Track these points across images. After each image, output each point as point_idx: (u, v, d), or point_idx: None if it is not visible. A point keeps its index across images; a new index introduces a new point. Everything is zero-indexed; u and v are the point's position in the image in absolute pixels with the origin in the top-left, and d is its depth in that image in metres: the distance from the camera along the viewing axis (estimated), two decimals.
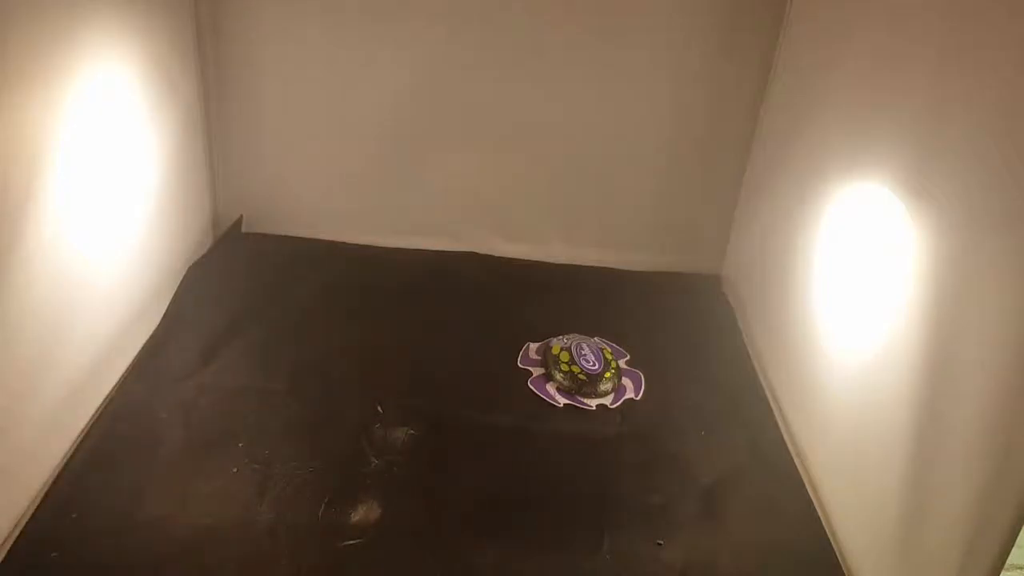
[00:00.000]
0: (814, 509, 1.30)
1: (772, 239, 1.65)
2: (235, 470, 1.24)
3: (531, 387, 1.51)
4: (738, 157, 1.82)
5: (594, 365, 1.52)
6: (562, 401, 1.48)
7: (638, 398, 1.51)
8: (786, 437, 1.44)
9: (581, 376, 1.50)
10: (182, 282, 1.65)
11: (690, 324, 1.75)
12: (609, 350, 1.58)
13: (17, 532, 1.11)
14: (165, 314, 1.56)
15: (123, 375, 1.41)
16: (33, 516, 1.13)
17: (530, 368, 1.56)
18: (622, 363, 1.58)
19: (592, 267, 1.93)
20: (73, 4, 1.18)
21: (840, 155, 1.37)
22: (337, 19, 1.71)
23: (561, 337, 1.61)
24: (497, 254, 1.93)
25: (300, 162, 1.87)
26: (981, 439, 0.93)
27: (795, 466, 1.38)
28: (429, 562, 1.14)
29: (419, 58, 1.75)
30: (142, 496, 1.18)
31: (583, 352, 1.54)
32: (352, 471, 1.27)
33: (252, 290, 1.69)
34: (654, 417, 1.46)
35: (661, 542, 1.20)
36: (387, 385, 1.46)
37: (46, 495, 1.17)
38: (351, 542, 1.15)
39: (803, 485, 1.34)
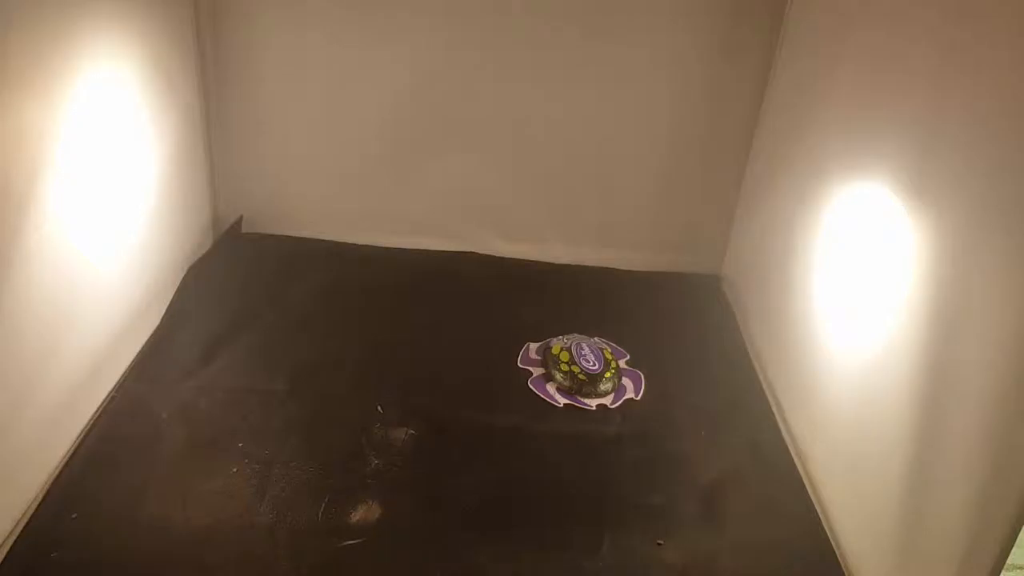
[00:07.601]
0: (814, 509, 1.30)
1: (772, 239, 1.65)
2: (235, 470, 1.24)
3: (531, 387, 1.51)
4: (738, 157, 1.82)
5: (594, 365, 1.52)
6: (562, 401, 1.48)
7: (638, 398, 1.51)
8: (786, 437, 1.44)
9: (581, 376, 1.50)
10: (182, 282, 1.65)
11: (690, 324, 1.75)
12: (609, 350, 1.58)
13: (17, 532, 1.11)
14: (165, 314, 1.56)
15: (123, 375, 1.41)
16: (33, 516, 1.13)
17: (530, 368, 1.56)
18: (622, 363, 1.58)
19: (592, 267, 1.93)
20: (73, 4, 1.18)
21: (840, 155, 1.37)
22: (337, 19, 1.72)
23: (561, 337, 1.61)
24: (497, 254, 1.93)
25: (300, 162, 1.87)
26: (981, 439, 0.93)
27: (795, 466, 1.38)
28: (429, 562, 1.14)
29: (419, 58, 1.75)
30: (142, 496, 1.18)
31: (583, 352, 1.54)
32: (352, 471, 1.27)
33: (252, 290, 1.69)
34: (654, 417, 1.46)
35: (661, 542, 1.20)
36: (387, 385, 1.46)
37: (46, 495, 1.16)
38: (351, 542, 1.15)
39: (803, 485, 1.34)
